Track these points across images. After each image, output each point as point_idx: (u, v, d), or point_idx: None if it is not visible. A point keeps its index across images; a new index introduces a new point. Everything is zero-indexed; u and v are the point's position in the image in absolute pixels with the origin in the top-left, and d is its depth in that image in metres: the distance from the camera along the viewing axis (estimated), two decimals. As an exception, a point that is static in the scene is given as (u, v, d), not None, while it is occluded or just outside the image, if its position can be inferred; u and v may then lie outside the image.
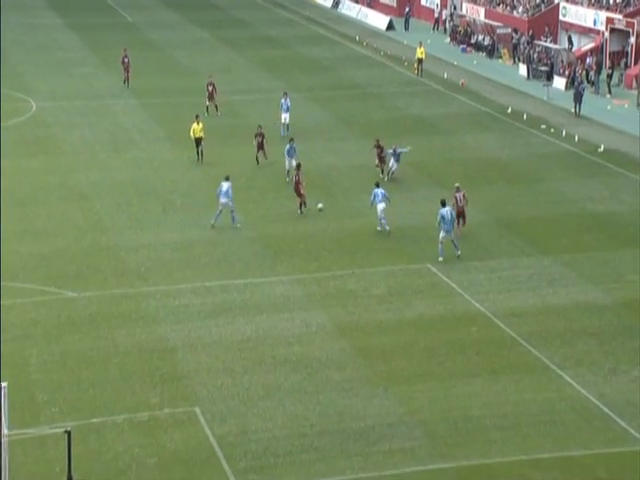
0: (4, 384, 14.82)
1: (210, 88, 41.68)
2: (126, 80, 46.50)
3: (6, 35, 58.67)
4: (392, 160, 33.49)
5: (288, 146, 33.18)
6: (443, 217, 26.72)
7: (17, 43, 57.15)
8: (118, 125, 40.94)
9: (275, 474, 17.26)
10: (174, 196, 32.18)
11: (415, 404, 19.64)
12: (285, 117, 39.26)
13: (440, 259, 26.78)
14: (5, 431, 14.40)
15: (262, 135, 34.67)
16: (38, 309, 23.69)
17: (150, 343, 22.07)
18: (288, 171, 32.89)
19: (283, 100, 39.34)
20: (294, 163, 32.18)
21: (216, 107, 41.35)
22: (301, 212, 30.12)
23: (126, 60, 46.43)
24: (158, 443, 18.07)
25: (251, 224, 29.62)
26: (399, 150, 33.32)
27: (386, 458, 17.82)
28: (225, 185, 28.87)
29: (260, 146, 34.73)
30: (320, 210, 30.04)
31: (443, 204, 27.08)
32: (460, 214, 28.37)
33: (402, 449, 18.08)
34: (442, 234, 26.86)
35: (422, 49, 49.90)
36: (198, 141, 35.33)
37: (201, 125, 35.23)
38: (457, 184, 29.04)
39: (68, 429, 14.89)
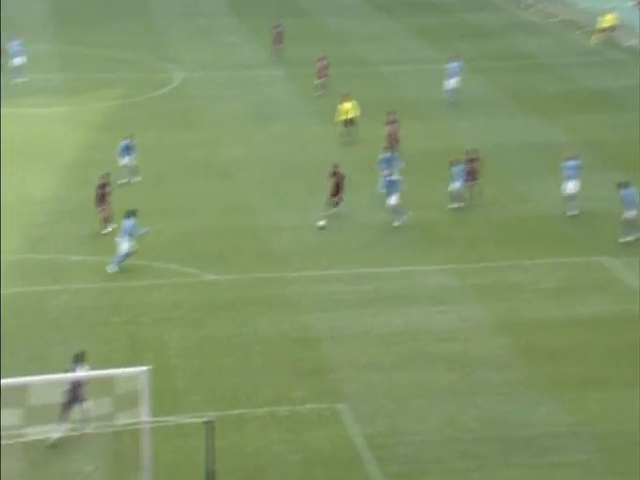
0: (145, 368, 15.33)
1: (322, 64, 40.72)
2: (277, 51, 47.00)
3: (150, 2, 60.72)
4: (457, 178, 28.84)
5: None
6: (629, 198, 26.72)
7: (162, 11, 58.99)
8: (264, 97, 41.60)
9: (428, 481, 17.16)
10: (321, 175, 32.40)
11: (587, 414, 19.03)
12: (451, 83, 38.85)
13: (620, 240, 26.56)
14: (147, 418, 14.89)
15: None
16: (179, 291, 24.36)
17: (293, 332, 22.32)
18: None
19: (451, 64, 38.97)
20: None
21: (323, 86, 40.16)
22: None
23: (279, 30, 46.89)
24: (300, 440, 18.26)
25: (404, 208, 29.49)
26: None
27: (554, 471, 17.31)
28: None
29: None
30: (322, 228, 27.31)
31: (626, 186, 26.90)
32: None
33: (573, 463, 17.51)
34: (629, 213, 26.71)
35: (612, 16, 48.08)
36: (350, 121, 34.89)
37: (352, 103, 35.05)
38: None
39: (209, 419, 15.23)
